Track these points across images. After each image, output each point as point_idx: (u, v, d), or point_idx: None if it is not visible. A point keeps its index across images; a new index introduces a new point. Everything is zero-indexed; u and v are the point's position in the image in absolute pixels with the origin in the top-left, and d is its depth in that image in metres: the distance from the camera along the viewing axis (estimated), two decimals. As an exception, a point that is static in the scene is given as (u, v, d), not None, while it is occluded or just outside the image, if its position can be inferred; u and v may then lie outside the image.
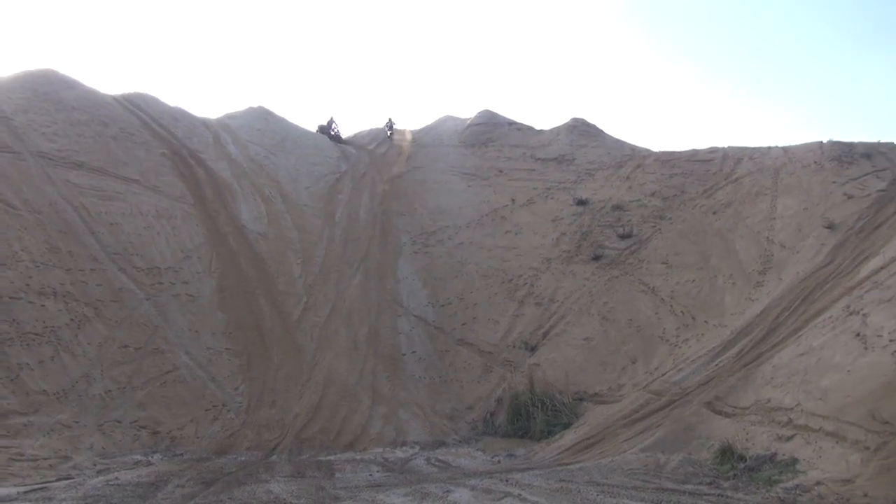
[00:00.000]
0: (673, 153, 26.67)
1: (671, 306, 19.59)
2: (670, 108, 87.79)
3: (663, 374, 16.95)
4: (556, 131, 29.33)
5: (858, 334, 13.35)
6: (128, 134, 24.25)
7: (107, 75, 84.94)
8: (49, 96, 23.99)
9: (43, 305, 16.85)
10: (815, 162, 22.65)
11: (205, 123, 27.88)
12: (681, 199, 23.66)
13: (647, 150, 27.87)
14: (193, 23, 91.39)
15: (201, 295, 19.57)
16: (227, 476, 11.89)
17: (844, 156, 22.47)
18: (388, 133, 31.14)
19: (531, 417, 17.05)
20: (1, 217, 18.33)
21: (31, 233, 18.42)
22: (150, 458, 14.00)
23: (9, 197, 18.98)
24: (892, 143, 23.09)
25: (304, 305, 20.64)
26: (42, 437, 13.98)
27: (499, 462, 14.77)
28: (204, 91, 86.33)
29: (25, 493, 10.44)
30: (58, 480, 11.64)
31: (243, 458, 14.28)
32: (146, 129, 25.26)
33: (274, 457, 14.67)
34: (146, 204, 21.46)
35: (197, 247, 21.00)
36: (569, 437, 15.55)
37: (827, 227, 19.50)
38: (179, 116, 27.48)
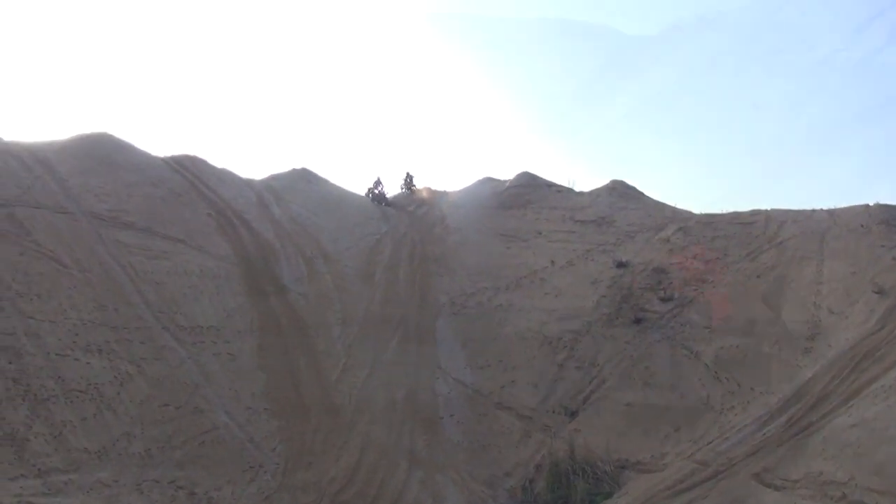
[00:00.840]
0: (714, 216, 26.43)
1: (715, 372, 19.13)
2: (711, 171, 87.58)
3: (709, 443, 16.46)
4: (595, 193, 29.32)
5: (914, 405, 12.89)
6: (175, 195, 24.93)
7: (158, 138, 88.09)
8: (103, 159, 24.84)
9: (88, 363, 17.16)
10: (862, 225, 22.23)
11: (249, 184, 28.52)
12: (723, 262, 23.32)
13: (689, 213, 27.66)
14: (241, 88, 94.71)
15: (242, 354, 19.73)
16: (263, 541, 11.77)
17: (893, 219, 22.04)
18: (407, 189, 31.43)
19: (571, 486, 16.61)
20: (52, 275, 18.87)
21: (79, 291, 18.89)
22: (186, 520, 13.97)
23: (61, 256, 19.56)
24: (945, 206, 22.61)
25: (342, 367, 20.64)
26: (82, 495, 14.06)
27: (539, 532, 14.38)
28: (249, 153, 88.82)
29: (63, 554, 10.45)
30: (95, 541, 11.64)
31: (279, 522, 14.16)
32: (193, 189, 25.94)
33: (310, 521, 14.52)
34: (191, 263, 21.88)
35: (239, 306, 21.27)
36: (611, 508, 15.11)
37: (877, 293, 19.01)
38: (225, 178, 28.17)
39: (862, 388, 14.95)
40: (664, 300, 22.27)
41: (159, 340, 18.83)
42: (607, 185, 29.88)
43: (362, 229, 27.59)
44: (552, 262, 25.25)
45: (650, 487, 15.25)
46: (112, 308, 18.98)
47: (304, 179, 30.36)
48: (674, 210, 28.05)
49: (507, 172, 32.31)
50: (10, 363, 16.08)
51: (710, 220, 26.04)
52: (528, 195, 29.58)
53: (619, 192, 29.03)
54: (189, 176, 26.85)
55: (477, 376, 21.08)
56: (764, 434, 15.52)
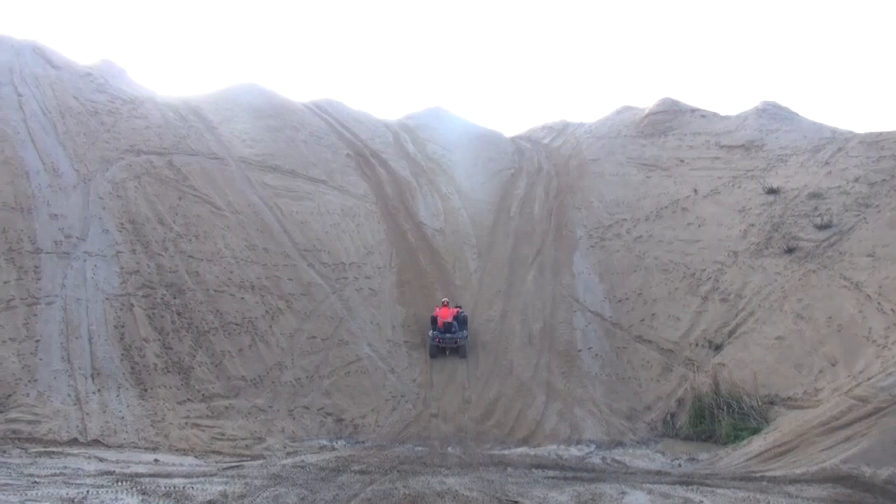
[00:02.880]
0: (881, 134, 23.97)
1: (879, 303, 17.61)
2: (878, 87, 79.25)
3: (869, 379, 15.26)
4: (743, 116, 27.40)
5: None
6: (316, 137, 25.82)
7: (300, 84, 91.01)
8: (249, 106, 26.09)
9: (242, 298, 18.35)
10: None
11: (385, 125, 29.05)
12: (890, 184, 21.23)
13: (850, 132, 25.30)
14: (376, 28, 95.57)
15: (382, 289, 20.40)
16: (404, 465, 12.27)
17: None
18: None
19: (716, 420, 16.06)
20: (208, 217, 20.19)
21: (233, 231, 20.13)
22: (334, 443, 14.83)
23: (215, 199, 20.85)
24: None
25: (479, 300, 20.88)
26: (241, 419, 15.23)
27: (679, 465, 14.09)
28: (385, 94, 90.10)
29: (224, 469, 11.39)
30: (252, 459, 12.59)
31: (420, 448, 14.68)
32: (333, 132, 26.76)
33: (449, 448, 14.95)
34: (333, 203, 22.71)
35: (378, 243, 21.91)
36: (758, 443, 14.47)
37: None
38: (363, 119, 28.83)
39: None
40: (821, 227, 20.65)
41: (305, 277, 19.80)
42: (756, 106, 27.84)
43: (497, 164, 27.46)
44: (695, 190, 24.05)
45: (802, 423, 14.43)
46: (262, 247, 20.11)
47: (437, 117, 30.53)
48: (833, 130, 25.74)
49: (645, 100, 30.86)
50: (174, 298, 17.50)
51: (875, 140, 23.67)
52: (670, 121, 28.15)
53: (770, 114, 26.98)
54: (329, 119, 27.70)
55: (615, 309, 20.67)
56: (934, 369, 14.21)
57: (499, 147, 29.00)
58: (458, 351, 18.71)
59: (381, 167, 25.60)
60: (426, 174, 26.04)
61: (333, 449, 14.32)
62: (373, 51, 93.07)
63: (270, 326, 17.90)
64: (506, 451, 14.76)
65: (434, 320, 18.81)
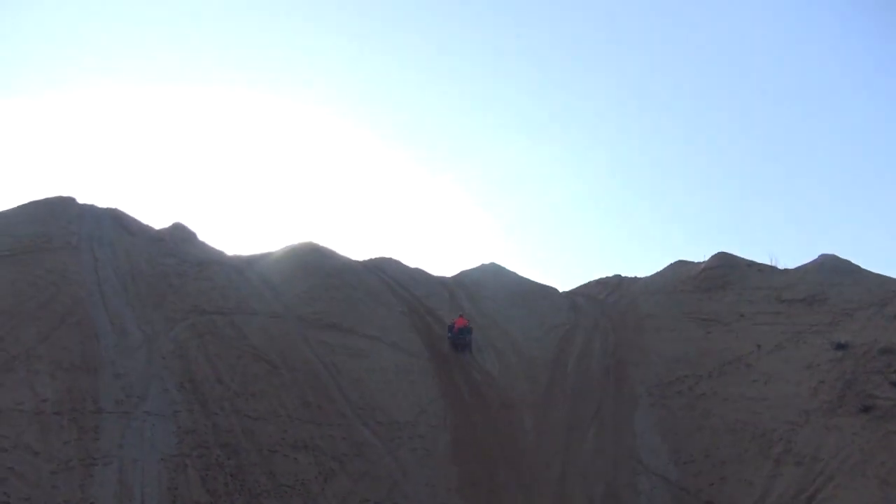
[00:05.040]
0: (950, 285, 23.33)
1: (971, 468, 16.37)
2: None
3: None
4: (803, 270, 27.04)
5: None
6: (373, 295, 26.34)
7: (357, 244, 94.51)
8: (308, 266, 26.99)
9: (296, 458, 18.09)
10: None
11: (441, 282, 29.55)
12: (967, 337, 20.32)
13: (917, 285, 24.64)
14: (425, 191, 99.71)
15: (436, 449, 19.91)
16: None
17: None
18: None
19: None
20: (265, 376, 20.39)
21: (288, 390, 20.21)
22: None
23: (272, 357, 21.15)
24: None
25: (537, 461, 20.13)
26: (289, 589, 14.53)
27: None
28: (440, 251, 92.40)
29: None
30: None
31: None
32: (388, 290, 27.29)
33: None
34: (387, 360, 22.76)
35: (433, 401, 21.65)
36: None
37: None
38: (418, 277, 29.43)
39: None
40: (896, 385, 19.66)
41: (359, 436, 19.52)
42: (816, 259, 27.49)
43: (552, 319, 27.38)
44: (758, 346, 23.36)
45: None
46: (316, 405, 20.06)
47: (493, 273, 30.98)
48: (897, 283, 25.12)
49: (698, 254, 30.83)
50: (228, 459, 17.36)
51: (945, 291, 22.99)
52: (727, 276, 27.90)
53: (830, 267, 26.55)
54: (385, 277, 28.36)
55: (682, 472, 19.60)
56: None
57: (554, 303, 29.04)
58: (467, 347, 24.61)
59: (435, 324, 25.77)
60: (482, 330, 26.05)
61: None
62: (427, 208, 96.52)
63: (323, 489, 17.47)
64: None
65: (452, 326, 25.06)
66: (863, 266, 26.86)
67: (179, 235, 26.61)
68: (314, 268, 26.99)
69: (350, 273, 27.59)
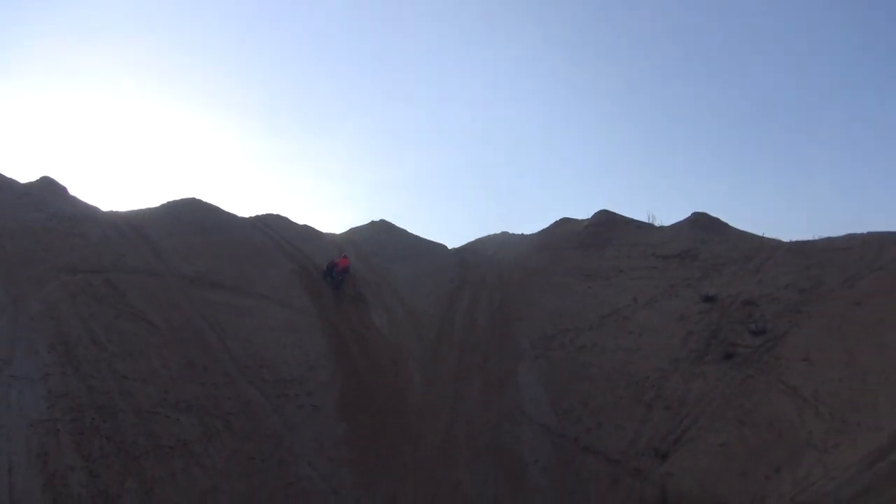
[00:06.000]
0: (805, 243, 25.14)
1: (817, 408, 17.91)
2: (798, 195, 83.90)
3: (813, 484, 15.35)
4: (677, 227, 28.44)
5: None
6: (260, 253, 25.75)
7: (242, 199, 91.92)
8: (191, 222, 26.03)
9: (178, 419, 17.66)
10: (971, 243, 20.68)
11: (331, 239, 29.25)
12: (818, 291, 22.06)
13: (777, 241, 26.42)
14: (316, 141, 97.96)
15: (324, 405, 19.93)
16: None
17: None
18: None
19: (665, 533, 15.78)
20: (145, 336, 19.67)
21: (170, 349, 19.60)
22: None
23: (152, 317, 20.40)
24: None
25: (424, 414, 20.53)
26: (170, 550, 14.31)
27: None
28: (329, 209, 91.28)
29: None
30: None
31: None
32: (276, 247, 26.75)
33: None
34: (275, 318, 22.43)
35: (321, 357, 21.58)
36: (708, 556, 14.20)
37: None
38: (307, 234, 28.99)
39: (982, 419, 13.68)
40: (756, 334, 21.18)
41: (245, 395, 19.26)
42: (689, 217, 28.95)
43: (440, 276, 27.70)
44: (635, 299, 24.53)
45: (750, 533, 14.29)
46: (200, 365, 19.58)
47: (383, 230, 30.92)
48: (760, 240, 26.85)
49: (581, 211, 31.84)
50: (104, 422, 16.74)
51: (800, 248, 24.78)
52: (608, 233, 28.99)
53: (702, 225, 28.06)
54: (272, 234, 27.75)
55: (561, 420, 20.51)
56: (874, 472, 14.36)
57: (442, 259, 29.36)
58: (343, 283, 25.27)
59: (324, 281, 25.54)
60: (370, 287, 26.06)
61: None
62: (315, 165, 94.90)
63: (206, 449, 17.18)
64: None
65: (334, 265, 25.52)
66: (730, 224, 28.54)
67: (49, 189, 25.00)
68: (197, 224, 26.07)
69: (235, 230, 26.85)
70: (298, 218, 30.50)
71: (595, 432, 19.80)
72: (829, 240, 24.71)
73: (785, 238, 26.45)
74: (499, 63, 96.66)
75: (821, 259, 23.64)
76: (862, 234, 24.19)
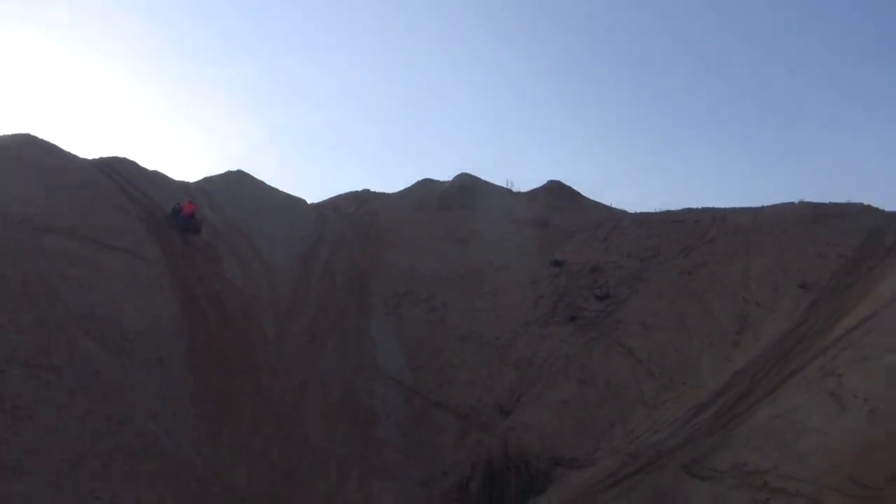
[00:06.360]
0: (648, 214, 26.84)
1: (649, 368, 19.35)
2: (645, 168, 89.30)
3: (640, 437, 16.63)
4: (533, 194, 29.50)
5: (834, 395, 13.23)
6: (104, 198, 24.11)
7: (86, 139, 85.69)
8: (25, 162, 23.92)
9: (3, 372, 16.38)
10: (787, 222, 22.83)
11: (183, 187, 27.83)
12: (657, 260, 23.67)
13: (623, 212, 28.04)
14: (173, 86, 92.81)
15: (170, 359, 19.11)
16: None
17: (816, 216, 22.70)
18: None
19: (506, 483, 16.59)
20: (-32, 282, 17.99)
21: (-2, 298, 18.04)
22: (105, 530, 13.41)
23: (-23, 262, 18.66)
24: (862, 204, 23.37)
25: (277, 369, 20.24)
26: (-6, 508, 13.39)
27: (470, 530, 14.29)
28: (183, 156, 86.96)
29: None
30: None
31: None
32: (123, 193, 25.14)
33: (237, 527, 14.11)
34: (118, 267, 21.14)
35: (168, 310, 20.63)
36: (543, 504, 15.11)
37: (801, 287, 19.54)
38: (157, 181, 27.43)
39: (786, 380, 15.25)
40: (600, 298, 22.48)
41: (83, 347, 18.12)
42: (545, 185, 30.09)
43: (298, 230, 27.18)
44: (490, 262, 25.27)
45: (582, 482, 15.32)
46: (33, 316, 18.18)
47: (239, 181, 29.81)
48: (609, 210, 28.39)
49: (444, 173, 32.30)
50: (-79, 373, 15.25)
51: (643, 219, 26.43)
52: (467, 196, 29.57)
53: (557, 193, 29.26)
54: (118, 178, 26.04)
55: (415, 376, 20.94)
56: (693, 426, 15.73)
57: (301, 214, 28.81)
58: (197, 230, 24.17)
59: (174, 231, 24.35)
60: (224, 239, 25.14)
61: (104, 537, 12.96)
62: (173, 111, 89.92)
63: (36, 402, 16.06)
64: (298, 527, 14.19)
65: (179, 209, 24.26)
66: (582, 193, 29.96)
67: None
68: (32, 164, 23.96)
69: (76, 172, 24.93)
70: (149, 164, 28.84)
71: (446, 389, 20.38)
72: (668, 213, 26.49)
73: (631, 210, 28.14)
74: (370, 23, 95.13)
75: (660, 230, 25.34)
76: (697, 209, 26.12)
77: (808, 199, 24.07)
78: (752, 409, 14.99)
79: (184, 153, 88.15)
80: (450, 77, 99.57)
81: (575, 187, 30.04)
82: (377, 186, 32.54)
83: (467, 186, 30.30)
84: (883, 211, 22.97)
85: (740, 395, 15.95)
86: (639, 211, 27.60)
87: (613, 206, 28.84)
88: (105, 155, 27.49)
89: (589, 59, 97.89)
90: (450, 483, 17.54)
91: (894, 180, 76.63)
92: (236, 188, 28.89)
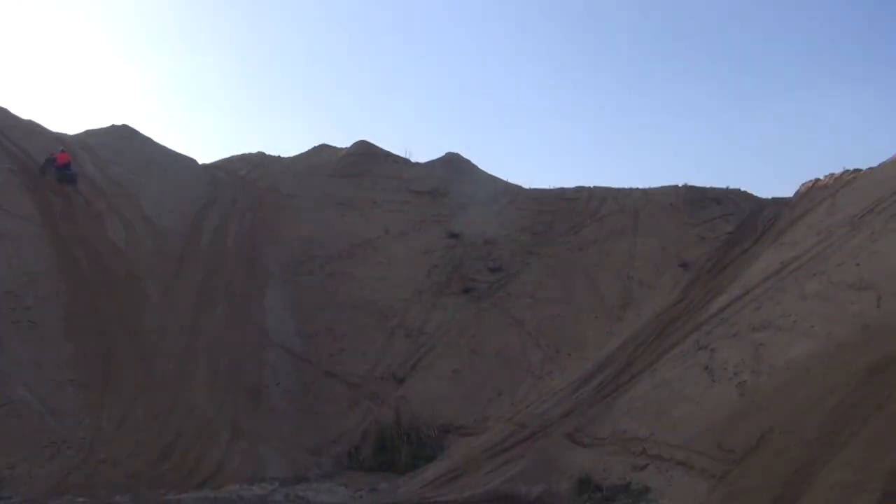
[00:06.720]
0: (543, 191, 27.51)
1: (537, 339, 20.01)
2: (543, 144, 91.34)
3: (527, 406, 17.21)
4: (431, 165, 29.55)
5: (707, 367, 14.06)
6: (-30, 146, 22.36)
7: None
8: None
9: None
10: (672, 204, 24.01)
11: (61, 140, 26.09)
12: (549, 235, 24.36)
13: (519, 187, 28.58)
14: (57, 31, 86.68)
15: (46, 322, 18.08)
16: (60, 519, 10.90)
17: (698, 200, 23.98)
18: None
19: (396, 450, 16.82)
20: None
21: None
22: (-29, 501, 12.66)
23: None
24: (739, 190, 24.89)
25: (162, 335, 19.52)
26: None
27: (360, 497, 14.42)
28: (64, 106, 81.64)
29: None
30: None
31: (81, 500, 13.17)
32: (-8, 142, 23.37)
33: (117, 497, 13.62)
34: (-12, 223, 19.73)
35: (44, 271, 19.44)
36: (432, 470, 15.42)
37: (681, 266, 20.66)
38: (32, 131, 25.62)
39: (664, 353, 16.14)
40: (493, 271, 22.95)
41: (-54, 307, 16.89)
42: (443, 157, 30.21)
43: (188, 192, 26.11)
44: (386, 231, 25.24)
45: (471, 450, 15.71)
46: None
47: (124, 136, 28.20)
48: (506, 184, 28.88)
49: (343, 140, 31.77)
50: None
51: (538, 195, 27.08)
52: (365, 164, 29.28)
53: (454, 165, 29.45)
54: (-13, 126, 24.17)
55: (306, 344, 20.75)
56: (577, 396, 16.41)
57: (191, 174, 27.68)
58: (73, 180, 22.94)
59: (51, 187, 22.88)
60: (107, 198, 23.83)
61: (-30, 508, 12.24)
62: (49, 52, 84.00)
63: None
64: (183, 496, 13.85)
65: (53, 159, 22.81)
66: (479, 166, 30.28)
67: None
68: None
69: (-61, 117, 23.01)
70: (22, 113, 26.86)
71: (338, 357, 20.33)
72: (562, 190, 27.24)
73: (526, 185, 28.73)
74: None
75: (553, 206, 26.06)
76: (589, 187, 26.97)
77: (691, 183, 25.36)
78: (633, 380, 15.78)
79: (61, 103, 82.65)
80: (350, 41, 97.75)
81: (473, 160, 30.34)
82: (272, 150, 31.53)
83: (365, 154, 29.98)
84: (758, 197, 24.55)
85: (622, 367, 16.76)
86: (534, 187, 28.24)
87: (510, 181, 29.33)
88: (-27, 101, 25.44)
89: (491, 30, 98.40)
90: (340, 450, 17.60)
91: (770, 168, 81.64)
92: (122, 144, 27.35)
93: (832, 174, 20.09)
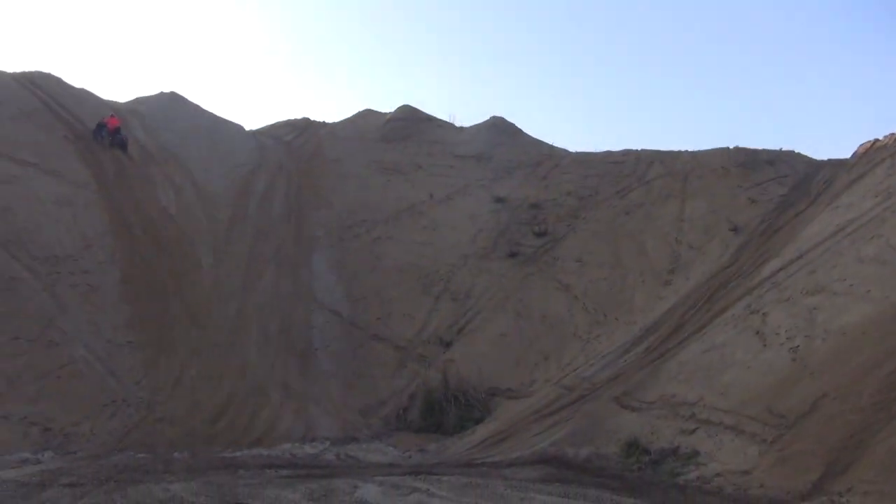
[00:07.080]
0: (588, 154, 27.15)
1: (584, 303, 19.90)
2: (591, 108, 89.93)
3: (575, 370, 17.20)
4: (475, 129, 29.37)
5: (758, 332, 13.86)
6: (27, 115, 22.89)
7: (8, 53, 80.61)
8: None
9: (-76, 293, 15.72)
10: (722, 167, 23.49)
11: (112, 107, 26.60)
12: (595, 199, 24.09)
13: (565, 151, 28.27)
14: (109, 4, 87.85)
15: (103, 286, 18.61)
16: (123, 474, 11.31)
17: (749, 162, 23.40)
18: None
19: (444, 412, 17.00)
20: None
21: (-87, 216, 17.16)
22: (39, 456, 13.19)
23: None
24: (793, 151, 24.21)
25: (214, 298, 19.97)
26: (-81, 434, 13.01)
27: (409, 457, 14.64)
28: (115, 74, 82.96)
29: None
30: (-67, 480, 10.80)
31: (142, 456, 13.62)
32: (47, 110, 23.91)
33: (175, 454, 14.06)
34: (45, 189, 20.27)
35: (100, 235, 19.98)
36: (480, 433, 15.57)
37: (731, 230, 20.26)
38: (85, 99, 26.16)
39: (714, 318, 15.94)
40: (539, 235, 22.83)
41: (9, 270, 17.45)
42: (487, 121, 29.99)
43: (236, 157, 26.46)
44: (431, 196, 25.25)
45: (518, 412, 15.81)
46: (-47, 236, 17.38)
47: (172, 103, 28.66)
48: (550, 148, 28.57)
49: (387, 104, 31.75)
50: None
51: (584, 159, 26.74)
52: (410, 129, 29.26)
53: (499, 129, 29.22)
54: (43, 94, 24.70)
55: (353, 308, 20.98)
56: (625, 360, 16.35)
57: (238, 141, 28.01)
58: (124, 146, 23.58)
59: (104, 153, 23.38)
60: (158, 164, 24.32)
61: (38, 462, 12.74)
62: (100, 23, 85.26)
63: (-39, 327, 15.50)
64: (237, 454, 14.24)
65: (104, 125, 23.45)
66: (524, 130, 29.99)
67: None
68: (-53, 76, 22.54)
69: (-3, 86, 23.55)
70: (75, 81, 27.38)
71: (385, 321, 20.53)
72: (609, 153, 26.86)
73: (572, 149, 28.39)
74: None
75: (599, 170, 25.74)
76: (636, 150, 26.54)
77: (743, 145, 24.74)
78: (682, 344, 15.64)
79: (112, 71, 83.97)
80: (394, 5, 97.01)
81: (517, 124, 30.05)
82: (317, 115, 31.76)
83: (409, 119, 29.94)
84: (812, 158, 23.85)
85: (670, 331, 16.61)
86: (579, 150, 27.90)
87: (555, 144, 29.02)
88: (27, 69, 26.02)
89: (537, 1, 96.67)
90: (388, 412, 17.86)
91: (825, 130, 79.23)
92: (170, 111, 27.80)
93: (892, 134, 19.36)
